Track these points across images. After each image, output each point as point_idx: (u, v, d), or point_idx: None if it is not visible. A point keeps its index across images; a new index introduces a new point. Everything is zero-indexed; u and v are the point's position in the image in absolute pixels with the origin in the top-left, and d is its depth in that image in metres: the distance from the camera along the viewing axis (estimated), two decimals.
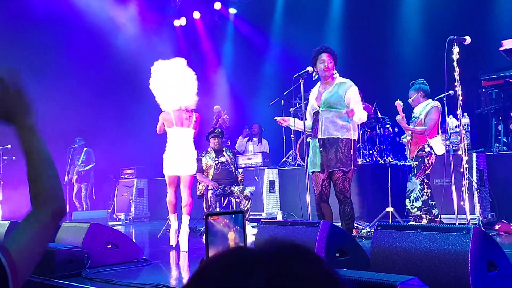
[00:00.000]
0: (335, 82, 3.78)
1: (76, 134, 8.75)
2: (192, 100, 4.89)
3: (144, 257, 3.86)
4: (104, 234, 3.69)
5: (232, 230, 0.77)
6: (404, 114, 4.43)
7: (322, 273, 0.43)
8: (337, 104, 3.67)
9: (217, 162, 5.96)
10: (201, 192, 5.90)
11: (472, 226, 2.13)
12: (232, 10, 10.78)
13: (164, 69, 4.82)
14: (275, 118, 4.00)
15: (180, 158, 4.76)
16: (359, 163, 6.48)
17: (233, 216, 0.77)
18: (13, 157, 7.31)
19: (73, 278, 3.19)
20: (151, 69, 4.88)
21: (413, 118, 4.64)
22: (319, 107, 3.75)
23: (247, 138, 8.50)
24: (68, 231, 3.82)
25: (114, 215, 8.68)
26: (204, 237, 0.79)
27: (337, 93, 3.70)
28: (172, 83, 4.73)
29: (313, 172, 3.78)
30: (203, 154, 6.03)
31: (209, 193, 5.63)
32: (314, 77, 3.88)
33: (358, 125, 4.17)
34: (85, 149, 8.68)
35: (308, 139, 3.96)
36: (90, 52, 9.52)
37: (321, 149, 3.69)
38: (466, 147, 2.99)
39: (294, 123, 4.03)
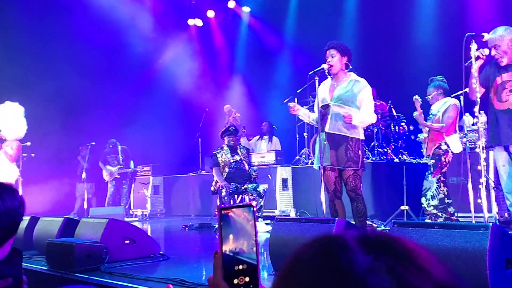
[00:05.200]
0: (349, 79, 3.75)
1: (91, 132, 8.88)
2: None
3: (161, 252, 3.92)
4: (122, 230, 3.75)
5: (250, 223, 0.78)
6: (422, 111, 4.40)
7: (422, 247, 0.42)
8: (349, 101, 3.65)
9: (232, 161, 6.02)
10: (215, 189, 5.96)
11: (491, 224, 2.12)
12: (246, 9, 10.81)
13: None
14: (289, 104, 3.97)
15: None
16: (373, 161, 6.45)
17: (251, 209, 0.79)
18: (32, 154, 7.45)
19: (92, 272, 3.25)
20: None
21: (431, 116, 4.60)
22: (331, 100, 3.74)
23: (257, 137, 8.49)
24: (87, 226, 3.90)
25: (131, 212, 8.81)
26: (218, 231, 0.78)
27: (351, 91, 3.68)
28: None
29: (324, 169, 3.76)
30: (218, 150, 6.11)
31: (223, 191, 5.69)
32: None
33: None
34: (120, 147, 8.76)
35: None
36: (103, 50, 9.63)
37: (325, 142, 3.68)
38: (483, 145, 2.97)
39: (304, 114, 4.03)
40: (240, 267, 0.75)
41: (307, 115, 4.04)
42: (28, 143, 6.82)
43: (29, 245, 4.32)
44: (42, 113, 7.03)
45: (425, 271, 0.39)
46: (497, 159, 3.31)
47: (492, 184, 4.82)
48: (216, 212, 0.77)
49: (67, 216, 4.69)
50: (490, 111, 3.28)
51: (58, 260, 3.49)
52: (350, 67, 3.80)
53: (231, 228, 0.76)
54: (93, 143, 8.29)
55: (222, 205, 0.80)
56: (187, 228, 6.28)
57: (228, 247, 0.76)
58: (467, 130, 4.83)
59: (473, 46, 2.97)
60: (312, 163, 7.06)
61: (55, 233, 4.07)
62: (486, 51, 3.13)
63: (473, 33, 3.02)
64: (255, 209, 0.79)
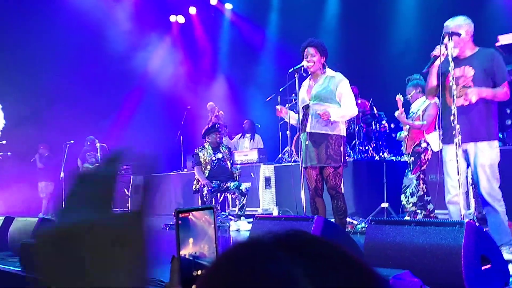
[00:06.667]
0: (325, 75, 3.76)
1: (69, 130, 8.70)
2: None
3: None
4: None
5: (212, 226, 0.75)
6: (403, 109, 4.44)
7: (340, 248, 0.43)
8: (327, 98, 3.66)
9: (214, 158, 5.97)
10: (196, 188, 5.91)
11: (466, 221, 2.14)
12: (228, 5, 10.75)
13: None
14: (277, 106, 3.98)
15: None
16: (354, 158, 6.48)
17: (212, 211, 0.76)
18: (8, 153, 7.27)
19: None
20: None
21: (411, 114, 4.64)
22: (309, 100, 3.74)
23: (239, 135, 8.45)
24: None
25: None
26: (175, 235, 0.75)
27: (328, 87, 3.69)
28: None
29: (305, 167, 3.78)
30: (199, 149, 6.05)
31: (205, 190, 5.64)
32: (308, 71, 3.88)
33: (351, 120, 4.16)
34: (98, 145, 8.58)
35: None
36: (84, 46, 9.47)
37: (307, 142, 3.70)
38: (460, 142, 2.99)
39: (291, 118, 4.03)
40: (199, 272, 0.72)
41: (292, 118, 4.03)
42: (4, 142, 6.65)
43: (3, 246, 4.21)
44: (17, 111, 6.86)
45: (341, 272, 0.40)
46: (445, 154, 3.28)
47: (470, 181, 4.89)
48: (173, 215, 0.74)
49: (43, 216, 4.59)
50: (443, 109, 3.23)
51: (33, 261, 3.40)
52: (326, 67, 3.81)
53: (190, 232, 0.73)
54: (72, 141, 8.12)
55: (179, 208, 0.77)
56: (167, 228, 6.20)
57: (187, 251, 0.72)
58: None
59: (450, 44, 2.99)
60: (295, 161, 7.06)
61: (30, 234, 3.96)
62: (443, 49, 3.03)
63: (450, 31, 3.03)
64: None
